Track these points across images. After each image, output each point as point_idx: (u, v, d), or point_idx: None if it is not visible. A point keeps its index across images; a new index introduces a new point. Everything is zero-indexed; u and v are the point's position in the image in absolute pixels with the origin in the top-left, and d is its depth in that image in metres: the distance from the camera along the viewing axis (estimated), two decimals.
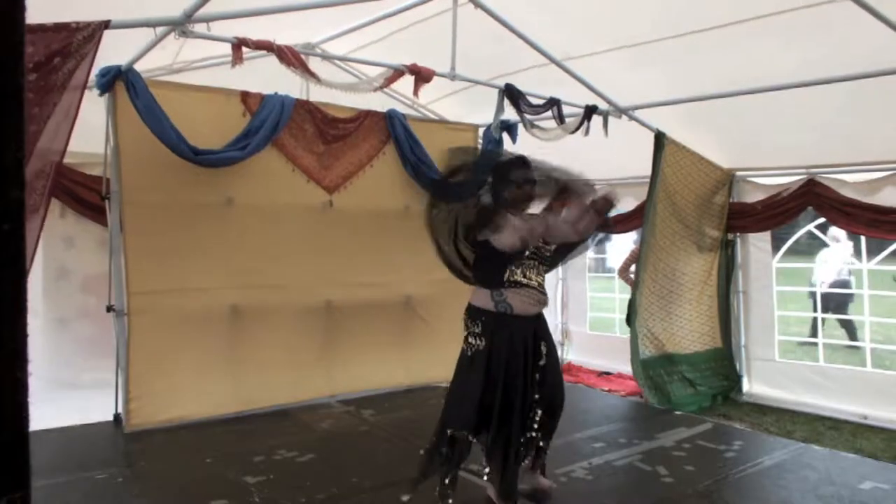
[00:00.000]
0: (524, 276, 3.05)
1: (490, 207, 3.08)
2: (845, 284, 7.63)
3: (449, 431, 3.08)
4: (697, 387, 5.56)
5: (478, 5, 4.15)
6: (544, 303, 3.15)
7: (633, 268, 6.16)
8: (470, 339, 3.10)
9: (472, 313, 3.13)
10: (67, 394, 4.81)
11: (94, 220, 5.01)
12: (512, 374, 3.01)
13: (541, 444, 3.20)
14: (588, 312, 7.46)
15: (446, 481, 3.10)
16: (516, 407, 3.02)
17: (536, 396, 3.11)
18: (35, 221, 3.41)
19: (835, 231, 6.99)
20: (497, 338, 3.01)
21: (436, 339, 5.80)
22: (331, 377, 5.23)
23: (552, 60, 4.61)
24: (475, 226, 3.05)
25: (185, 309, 4.58)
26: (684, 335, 5.73)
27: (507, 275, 3.03)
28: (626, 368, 6.44)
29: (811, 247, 6.16)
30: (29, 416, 0.72)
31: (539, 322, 3.17)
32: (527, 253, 3.05)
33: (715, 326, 5.86)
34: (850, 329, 7.64)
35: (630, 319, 5.61)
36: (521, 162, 3.19)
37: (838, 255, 7.52)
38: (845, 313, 7.59)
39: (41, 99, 3.16)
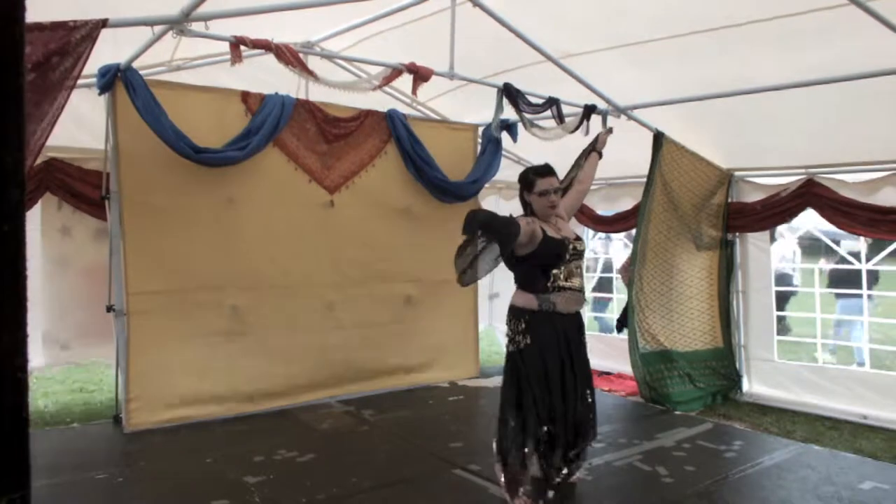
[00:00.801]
0: (567, 280, 3.19)
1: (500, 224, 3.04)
2: (781, 280, 7.59)
3: (545, 428, 3.11)
4: (696, 384, 5.56)
5: (476, 4, 4.14)
6: (582, 302, 3.31)
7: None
8: (517, 339, 3.18)
9: (516, 313, 3.23)
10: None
11: (90, 215, 5.01)
12: (564, 368, 3.13)
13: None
14: (586, 313, 7.46)
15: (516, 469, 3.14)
16: (570, 400, 3.13)
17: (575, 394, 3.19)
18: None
19: (783, 228, 7.02)
20: (542, 332, 3.13)
21: (437, 339, 5.82)
22: (331, 377, 5.22)
23: (550, 59, 4.60)
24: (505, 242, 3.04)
25: (185, 309, 4.57)
26: (684, 333, 5.72)
27: (552, 280, 3.16)
28: (626, 368, 6.44)
29: (811, 247, 6.16)
30: (29, 416, 0.72)
31: (578, 319, 3.31)
32: (567, 256, 3.19)
33: (716, 326, 5.85)
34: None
35: (622, 325, 5.65)
36: (545, 170, 3.29)
37: (779, 251, 7.51)
38: (783, 309, 7.63)
39: (37, 99, 3.15)
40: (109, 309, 4.40)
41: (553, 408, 3.09)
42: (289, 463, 3.86)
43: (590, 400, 3.29)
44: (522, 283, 3.23)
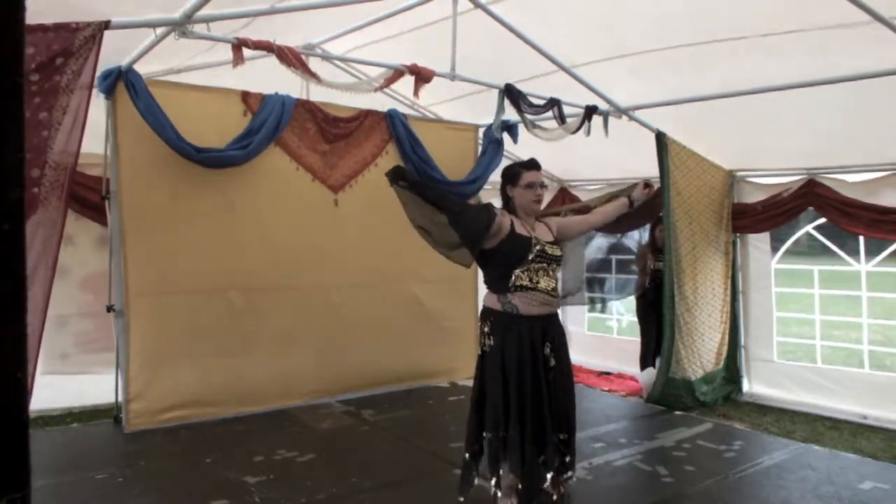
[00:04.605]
0: (530, 281, 3.07)
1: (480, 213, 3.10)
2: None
3: (487, 435, 3.09)
4: (703, 398, 5.50)
5: (477, 4, 4.14)
6: (553, 305, 3.16)
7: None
8: (482, 339, 3.16)
9: (483, 314, 3.19)
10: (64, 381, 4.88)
11: (93, 220, 5.00)
12: (523, 373, 3.03)
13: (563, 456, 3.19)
14: (586, 313, 7.46)
15: (495, 479, 3.11)
16: (528, 404, 3.04)
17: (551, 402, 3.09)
18: (54, 230, 3.39)
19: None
20: (507, 337, 3.05)
21: (439, 339, 5.82)
22: (331, 377, 5.22)
23: (558, 65, 4.61)
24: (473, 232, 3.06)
25: (186, 309, 4.57)
26: (704, 354, 5.53)
27: (512, 280, 3.06)
28: (626, 368, 6.46)
29: (812, 248, 6.13)
30: (29, 416, 0.72)
31: (548, 323, 3.15)
32: (530, 257, 3.06)
33: (726, 337, 5.74)
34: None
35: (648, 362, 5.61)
36: (532, 164, 3.25)
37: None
38: None
39: (49, 103, 3.16)
40: (109, 309, 4.41)
41: (507, 413, 3.02)
42: (289, 463, 3.86)
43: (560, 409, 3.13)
44: (488, 282, 3.17)
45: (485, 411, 3.10)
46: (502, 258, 3.07)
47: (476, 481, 3.20)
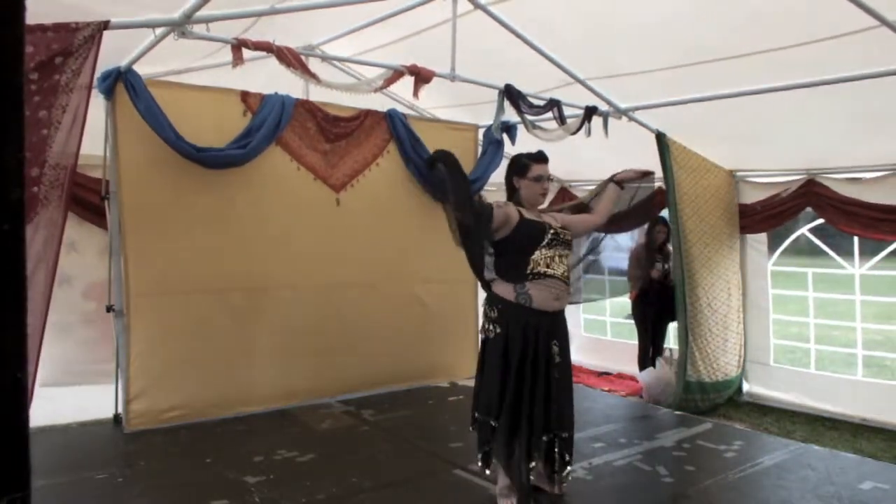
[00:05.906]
0: (548, 267, 3.09)
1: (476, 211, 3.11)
2: None
3: (476, 415, 3.19)
4: (714, 402, 5.50)
5: (477, 5, 4.14)
6: (566, 297, 3.17)
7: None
8: (487, 325, 3.16)
9: (491, 300, 3.19)
10: (65, 393, 4.84)
11: (96, 224, 4.99)
12: (524, 364, 3.06)
13: (555, 450, 3.20)
14: (582, 315, 7.46)
15: (479, 456, 3.20)
16: (525, 398, 3.06)
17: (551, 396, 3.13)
18: (55, 230, 3.39)
19: None
20: (512, 326, 3.07)
21: (439, 339, 5.82)
22: (331, 377, 5.22)
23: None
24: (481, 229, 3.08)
25: (186, 309, 4.57)
26: (721, 356, 5.48)
27: (530, 266, 3.07)
28: (624, 368, 6.46)
29: (810, 250, 6.10)
30: (29, 416, 0.72)
31: (556, 320, 3.18)
32: (546, 239, 3.09)
33: (742, 342, 5.70)
34: None
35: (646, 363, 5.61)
36: (541, 157, 3.24)
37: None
38: None
39: (49, 102, 3.16)
40: (109, 309, 4.41)
41: (501, 403, 3.06)
42: (289, 463, 3.86)
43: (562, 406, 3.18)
44: (502, 272, 3.16)
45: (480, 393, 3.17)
46: (519, 242, 3.09)
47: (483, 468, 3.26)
